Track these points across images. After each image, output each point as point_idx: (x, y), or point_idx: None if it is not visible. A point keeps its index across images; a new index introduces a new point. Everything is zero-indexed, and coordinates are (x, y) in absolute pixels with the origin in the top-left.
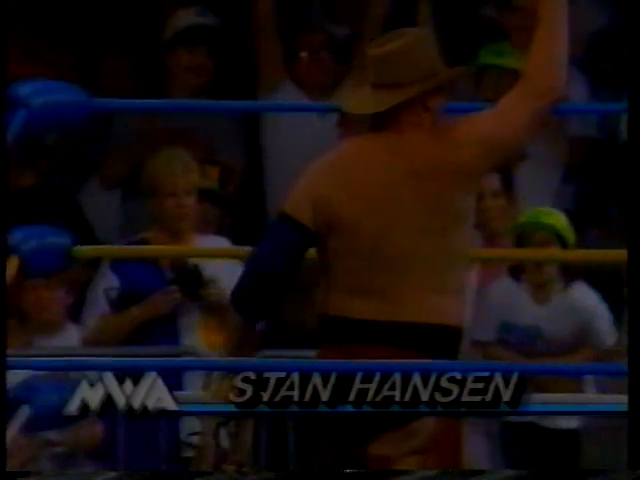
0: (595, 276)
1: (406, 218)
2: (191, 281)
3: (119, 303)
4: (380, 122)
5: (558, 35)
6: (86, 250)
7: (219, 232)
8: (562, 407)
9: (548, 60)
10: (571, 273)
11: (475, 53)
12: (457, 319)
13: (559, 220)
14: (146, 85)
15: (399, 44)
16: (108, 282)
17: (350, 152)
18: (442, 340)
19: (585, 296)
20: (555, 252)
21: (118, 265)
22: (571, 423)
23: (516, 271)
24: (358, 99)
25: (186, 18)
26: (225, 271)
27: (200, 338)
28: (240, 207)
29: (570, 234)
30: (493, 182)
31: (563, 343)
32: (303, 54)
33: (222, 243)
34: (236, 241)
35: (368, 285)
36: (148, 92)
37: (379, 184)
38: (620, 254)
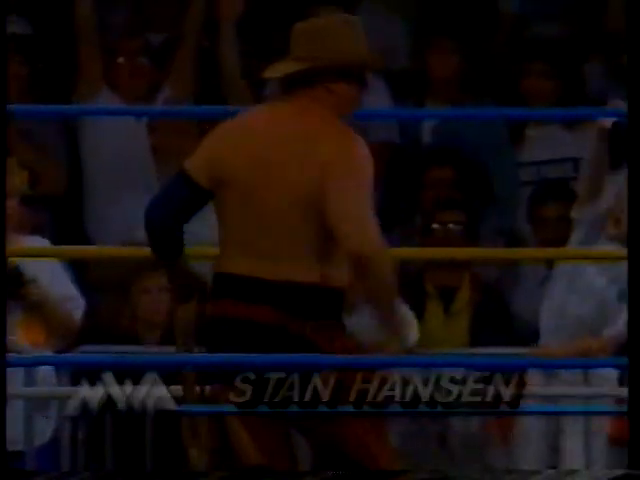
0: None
1: (281, 180)
2: (12, 281)
3: None
4: (286, 94)
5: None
6: None
7: (35, 233)
8: (562, 407)
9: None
10: None
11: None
12: (336, 282)
13: None
14: None
15: (311, 23)
16: None
17: (247, 116)
18: (319, 299)
19: None
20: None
21: None
22: None
23: None
24: (272, 67)
25: None
26: (45, 270)
27: (21, 336)
28: (57, 208)
29: None
30: None
31: None
32: (120, 60)
33: (41, 243)
34: (55, 241)
35: (250, 243)
36: None
37: (261, 145)
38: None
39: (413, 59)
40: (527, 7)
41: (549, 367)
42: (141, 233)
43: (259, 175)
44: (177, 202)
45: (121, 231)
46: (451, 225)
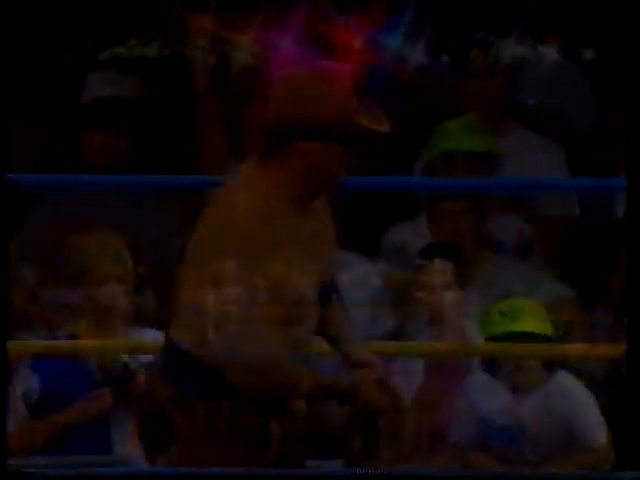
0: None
1: None
2: (123, 381)
3: (40, 407)
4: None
5: None
6: (16, 347)
7: (153, 324)
8: None
9: None
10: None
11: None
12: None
13: (531, 322)
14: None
15: (289, 76)
16: (27, 383)
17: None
18: (187, 367)
19: (570, 386)
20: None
21: (39, 363)
22: None
23: (490, 362)
24: None
25: (93, 88)
26: None
27: (134, 444)
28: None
29: (547, 327)
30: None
31: (549, 444)
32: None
33: (158, 336)
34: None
35: None
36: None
37: None
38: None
39: (598, 119)
40: None
41: None
42: None
43: None
44: None
45: None
46: None
